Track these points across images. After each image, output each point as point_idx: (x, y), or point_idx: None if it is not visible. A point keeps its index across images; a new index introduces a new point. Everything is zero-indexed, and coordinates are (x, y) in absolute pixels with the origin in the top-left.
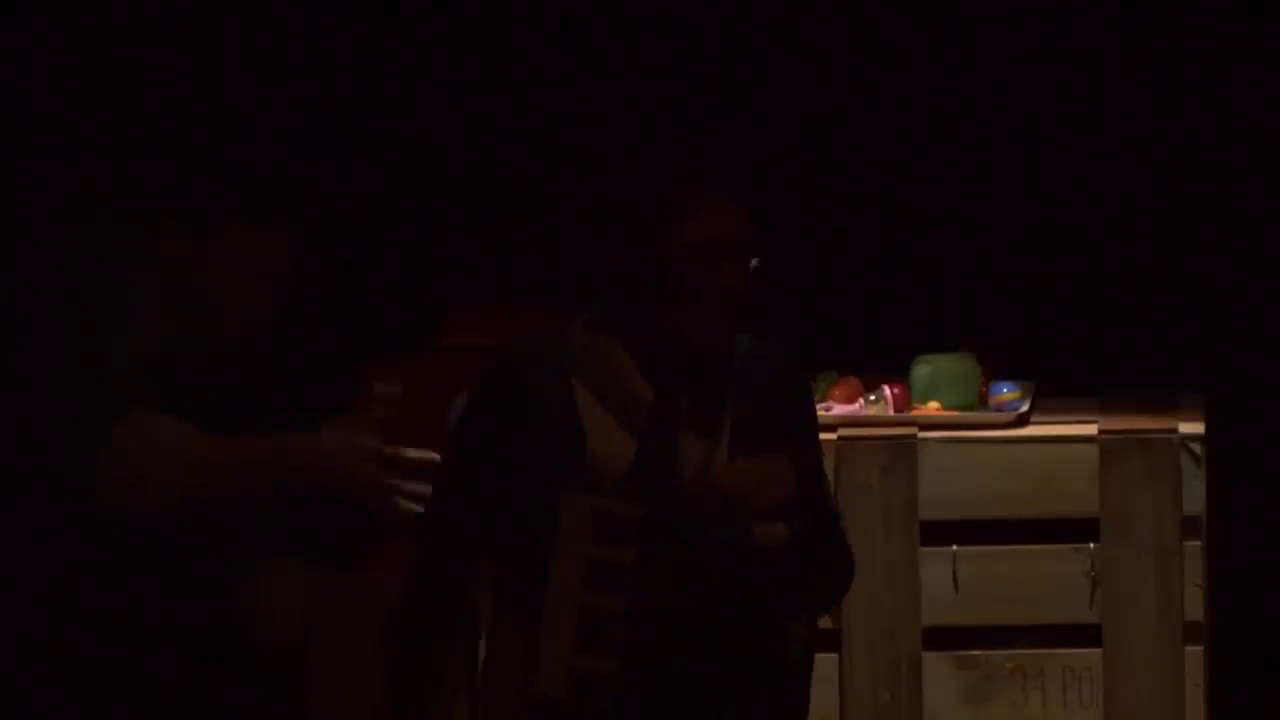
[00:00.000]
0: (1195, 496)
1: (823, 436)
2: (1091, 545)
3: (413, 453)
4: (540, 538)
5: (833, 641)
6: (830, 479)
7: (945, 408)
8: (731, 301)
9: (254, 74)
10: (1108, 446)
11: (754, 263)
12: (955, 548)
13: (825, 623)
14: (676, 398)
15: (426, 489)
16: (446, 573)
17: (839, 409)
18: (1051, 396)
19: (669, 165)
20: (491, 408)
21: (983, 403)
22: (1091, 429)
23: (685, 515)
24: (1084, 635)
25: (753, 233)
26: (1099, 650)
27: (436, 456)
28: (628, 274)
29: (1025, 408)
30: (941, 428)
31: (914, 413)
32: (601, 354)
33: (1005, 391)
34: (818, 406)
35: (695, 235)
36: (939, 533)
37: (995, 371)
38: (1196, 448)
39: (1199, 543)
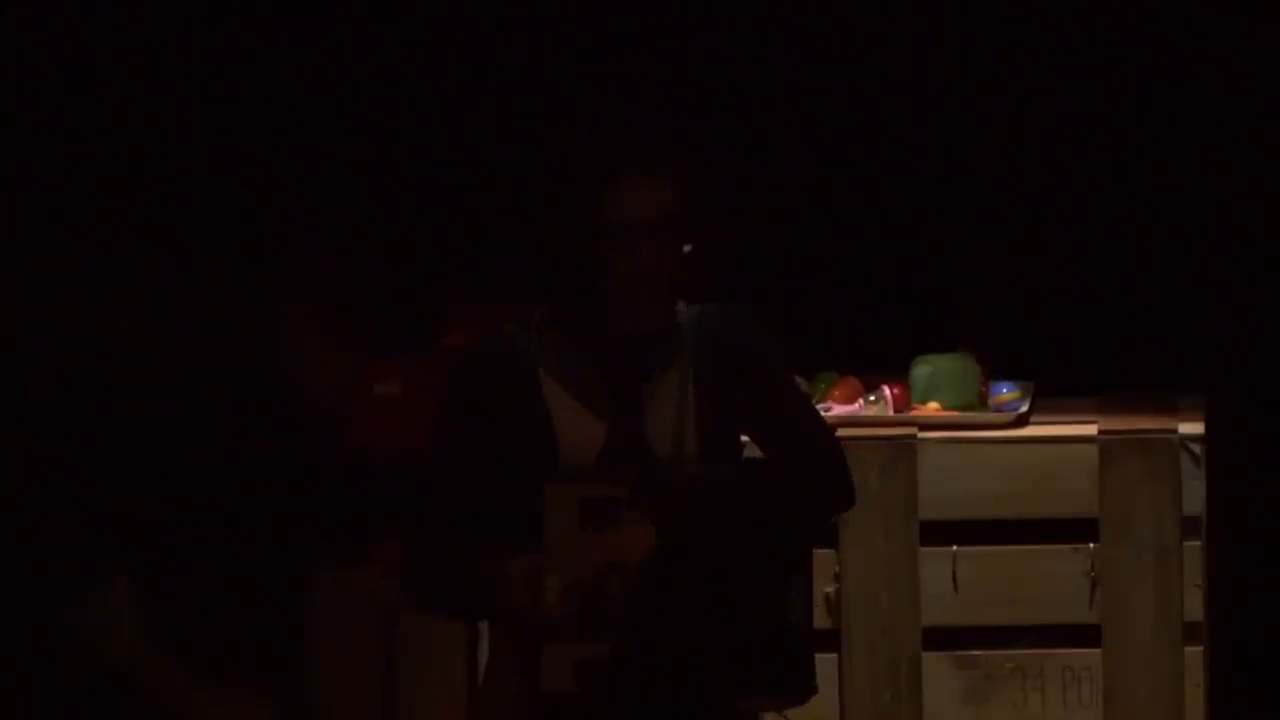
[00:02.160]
0: (1195, 496)
1: None
2: (1091, 545)
3: None
4: (526, 531)
5: (833, 641)
6: None
7: (945, 408)
8: (653, 280)
9: (252, 75)
10: (1107, 446)
11: (686, 248)
12: (955, 548)
13: (825, 622)
14: (637, 375)
15: None
16: (440, 570)
17: (839, 409)
18: (1051, 396)
19: (589, 144)
20: (461, 407)
21: (982, 403)
22: (1091, 429)
23: (666, 489)
24: (1084, 635)
25: (677, 211)
26: (1099, 650)
27: None
28: (561, 255)
29: (1025, 408)
30: (941, 428)
31: (914, 413)
32: (561, 341)
33: (1005, 391)
34: (818, 407)
35: (611, 214)
36: (939, 533)
37: (995, 371)
38: (1196, 448)
39: (1199, 543)
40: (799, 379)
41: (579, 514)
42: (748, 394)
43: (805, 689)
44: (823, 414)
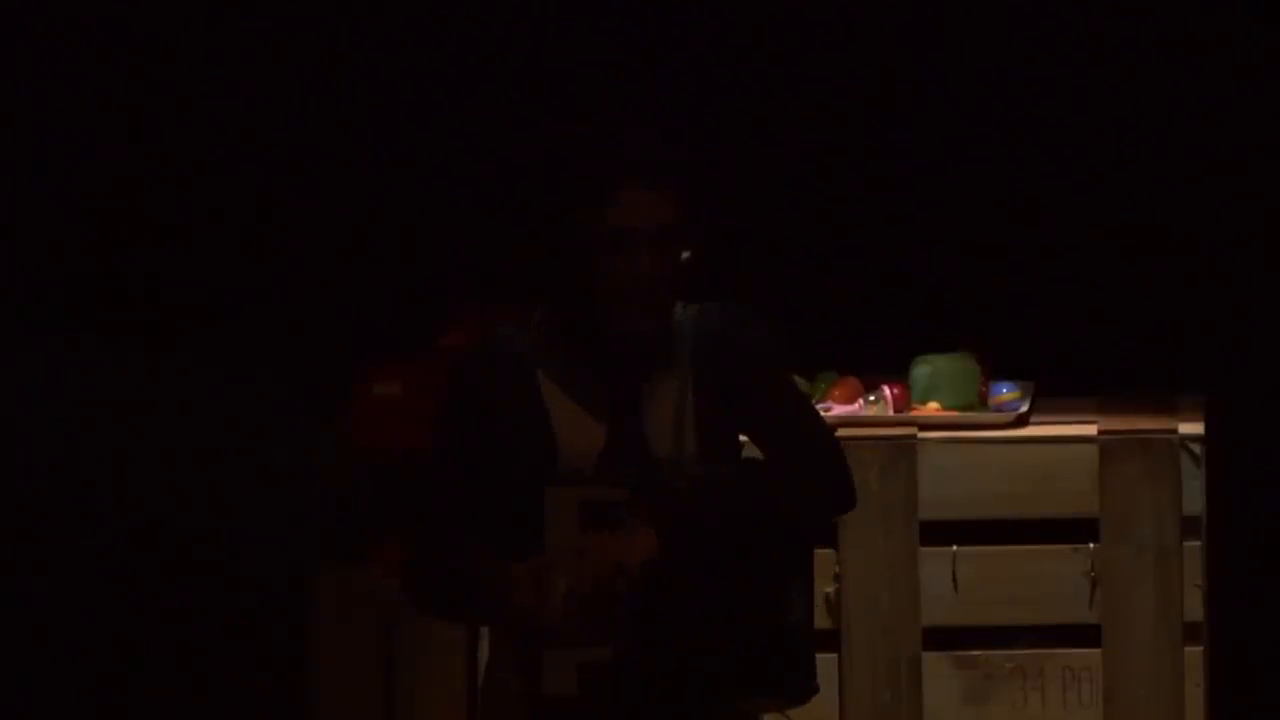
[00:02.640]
0: (1195, 496)
1: None
2: (1091, 545)
3: None
4: (526, 535)
5: (833, 641)
6: None
7: (945, 408)
8: (650, 285)
9: (253, 74)
10: (1108, 446)
11: (685, 254)
12: (955, 548)
13: (825, 622)
14: (635, 376)
15: None
16: (440, 572)
17: (839, 409)
18: (1051, 396)
19: (587, 151)
20: (460, 409)
21: (982, 403)
22: (1091, 429)
23: (666, 491)
24: (1084, 635)
25: (679, 218)
26: (1099, 650)
27: None
28: (559, 260)
29: (1025, 408)
30: (941, 428)
31: (914, 413)
32: (559, 343)
33: (1005, 391)
34: (818, 406)
35: (613, 218)
36: (939, 533)
37: (995, 371)
38: (1196, 448)
39: (1199, 543)
40: (799, 379)
41: (579, 516)
42: (747, 394)
43: (806, 688)
44: (823, 414)
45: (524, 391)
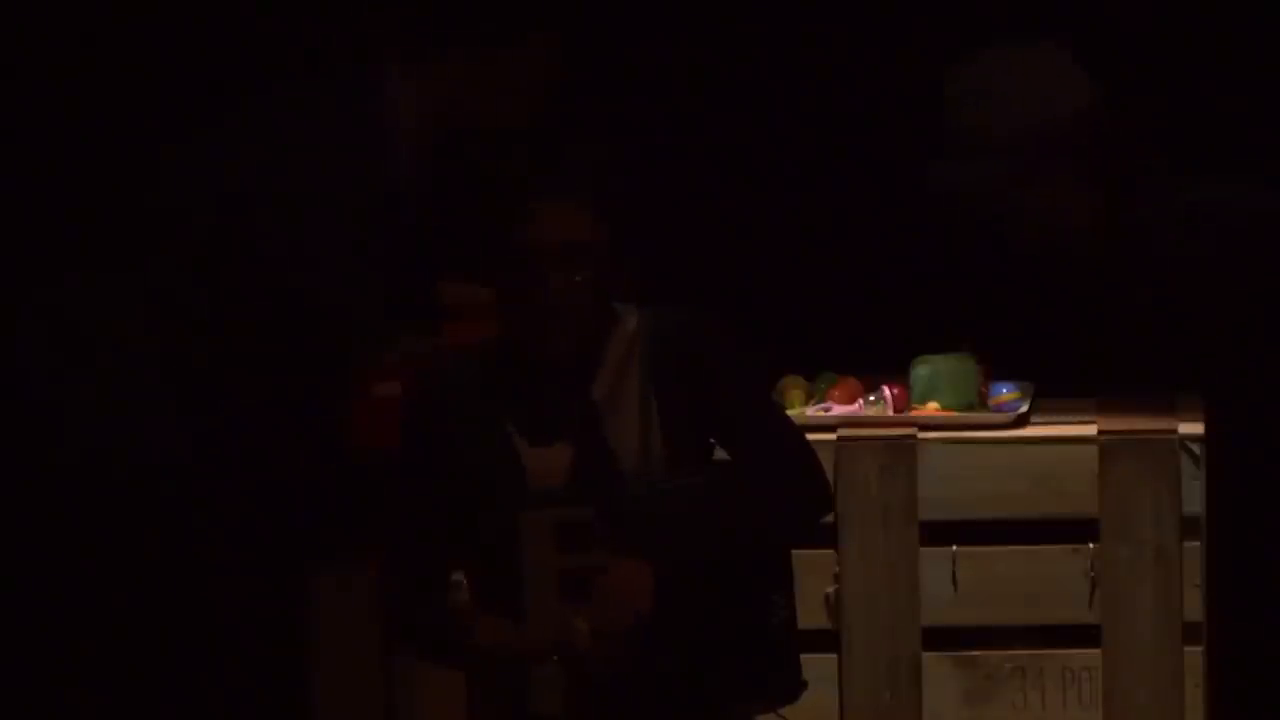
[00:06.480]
0: (1195, 496)
1: (822, 437)
2: (1091, 545)
3: None
4: (505, 561)
5: (833, 641)
6: (829, 473)
7: (944, 408)
8: (561, 305)
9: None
10: (1107, 447)
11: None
12: (955, 548)
13: (825, 622)
14: (592, 394)
15: None
16: (418, 582)
17: (839, 409)
18: (1051, 397)
19: (508, 164)
20: (418, 437)
21: (982, 403)
22: (1091, 429)
23: (639, 513)
24: (1084, 635)
25: (591, 234)
26: (1099, 650)
27: None
28: (488, 276)
29: (1025, 408)
30: (941, 428)
31: (913, 413)
32: (516, 364)
33: (1005, 392)
34: (818, 407)
35: (519, 237)
36: (939, 533)
37: (995, 371)
38: (1196, 448)
39: (1199, 543)
40: (798, 379)
41: (555, 539)
42: (709, 400)
43: (794, 687)
44: (823, 414)
45: (483, 416)
